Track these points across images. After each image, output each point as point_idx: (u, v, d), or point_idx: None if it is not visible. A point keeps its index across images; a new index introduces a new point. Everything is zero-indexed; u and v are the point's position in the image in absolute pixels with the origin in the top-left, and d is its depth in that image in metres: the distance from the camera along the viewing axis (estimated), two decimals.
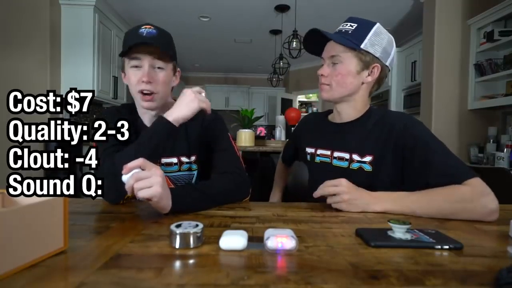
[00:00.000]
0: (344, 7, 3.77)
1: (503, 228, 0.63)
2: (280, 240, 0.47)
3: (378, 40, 0.88)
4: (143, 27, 0.86)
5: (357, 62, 0.89)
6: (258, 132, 5.27)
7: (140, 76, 0.86)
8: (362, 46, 0.87)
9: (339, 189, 0.76)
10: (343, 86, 0.91)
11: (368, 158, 0.90)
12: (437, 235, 0.54)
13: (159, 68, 0.88)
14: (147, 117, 0.97)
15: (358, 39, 0.87)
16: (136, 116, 0.99)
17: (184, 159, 0.98)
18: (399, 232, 0.53)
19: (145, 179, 0.63)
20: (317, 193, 0.79)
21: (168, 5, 3.82)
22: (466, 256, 0.48)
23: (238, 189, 0.86)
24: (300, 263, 0.44)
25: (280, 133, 3.95)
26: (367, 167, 0.90)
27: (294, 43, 3.57)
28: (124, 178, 0.64)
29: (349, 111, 0.96)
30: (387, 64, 0.92)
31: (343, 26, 0.91)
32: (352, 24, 0.90)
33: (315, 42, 0.95)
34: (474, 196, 0.71)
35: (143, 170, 0.65)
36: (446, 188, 0.74)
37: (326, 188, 0.78)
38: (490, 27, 2.71)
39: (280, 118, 4.05)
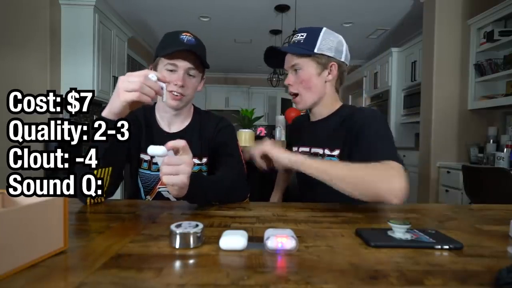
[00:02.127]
0: (344, 7, 3.77)
1: (503, 228, 0.63)
2: (280, 240, 0.47)
3: (328, 42, 0.97)
4: (183, 34, 0.93)
5: (315, 65, 0.97)
6: (258, 132, 5.25)
7: (174, 78, 0.92)
8: (315, 50, 0.95)
9: (263, 143, 0.86)
10: (310, 89, 0.98)
11: (336, 152, 0.96)
12: (437, 235, 0.54)
13: (191, 75, 0.95)
14: (166, 117, 1.01)
15: (310, 45, 0.96)
16: (151, 116, 1.03)
17: (195, 160, 1.00)
18: (399, 232, 0.53)
19: (174, 166, 0.63)
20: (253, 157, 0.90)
21: (168, 5, 3.82)
22: (466, 256, 0.48)
23: (239, 189, 0.88)
24: (300, 263, 0.44)
25: (280, 133, 3.95)
26: (336, 160, 0.96)
27: None
28: (151, 150, 0.62)
29: (321, 110, 1.04)
30: (342, 60, 1.00)
31: (295, 37, 1.00)
32: (302, 34, 0.98)
33: (276, 57, 1.04)
34: (387, 175, 0.73)
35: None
36: (363, 163, 0.76)
37: (257, 151, 0.88)
38: (490, 27, 2.71)
39: (280, 118, 4.04)
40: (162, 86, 0.71)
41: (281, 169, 0.86)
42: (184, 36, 0.93)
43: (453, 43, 2.98)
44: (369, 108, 1.02)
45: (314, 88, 0.98)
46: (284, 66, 1.03)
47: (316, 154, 1.01)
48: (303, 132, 1.11)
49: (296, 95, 1.01)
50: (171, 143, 0.65)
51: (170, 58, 0.91)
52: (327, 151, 0.98)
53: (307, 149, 1.05)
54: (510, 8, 2.50)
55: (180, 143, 0.66)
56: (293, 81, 1.00)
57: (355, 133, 0.91)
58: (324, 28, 0.98)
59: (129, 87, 0.67)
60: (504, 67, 2.62)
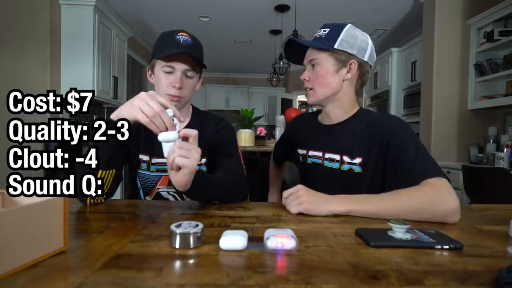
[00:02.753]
0: (344, 7, 3.77)
1: (503, 228, 0.63)
2: (280, 240, 0.47)
3: (350, 38, 0.92)
4: (179, 34, 0.91)
5: (334, 61, 0.93)
6: (258, 132, 5.26)
7: (172, 80, 0.92)
8: (335, 46, 0.91)
9: (299, 193, 0.73)
10: (324, 86, 0.94)
11: (358, 160, 0.91)
12: (437, 235, 0.54)
13: (189, 76, 0.94)
14: None
15: (331, 40, 0.92)
16: None
17: None
18: (399, 232, 0.53)
19: (187, 149, 0.65)
20: (284, 204, 0.76)
21: (168, 5, 3.82)
22: (466, 256, 0.48)
23: (239, 189, 0.88)
24: (300, 263, 0.44)
25: (280, 133, 3.95)
26: (357, 169, 0.92)
27: None
28: (162, 136, 0.65)
29: (336, 111, 0.98)
30: (365, 59, 0.94)
31: (317, 32, 0.97)
32: (325, 29, 0.95)
33: (296, 51, 1.00)
34: (437, 196, 0.70)
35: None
36: (410, 189, 0.73)
37: (288, 198, 0.74)
38: (490, 27, 2.71)
39: (280, 118, 4.04)
40: (176, 123, 0.69)
41: None
42: (181, 37, 0.91)
43: (453, 43, 2.98)
44: (392, 116, 0.97)
45: (330, 85, 0.94)
46: (303, 61, 0.99)
47: (332, 160, 0.96)
48: (313, 134, 1.05)
49: (310, 89, 0.97)
50: (184, 131, 0.68)
51: (167, 60, 0.91)
52: (346, 158, 0.93)
53: (319, 154, 1.00)
54: (510, 8, 2.49)
55: (193, 132, 0.69)
56: (309, 76, 0.96)
57: (384, 146, 0.87)
58: (349, 25, 0.94)
59: (144, 110, 0.66)
60: (504, 67, 2.62)
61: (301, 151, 1.08)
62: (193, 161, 0.65)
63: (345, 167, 0.93)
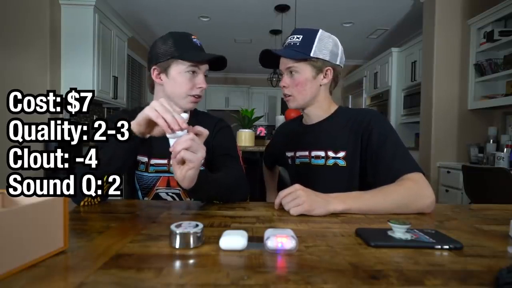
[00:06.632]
0: (344, 7, 3.77)
1: (503, 228, 0.63)
2: (280, 240, 0.47)
3: (323, 45, 0.96)
4: (193, 38, 0.96)
5: (311, 69, 0.97)
6: (258, 132, 5.26)
7: (199, 81, 0.95)
8: (311, 54, 0.94)
9: (297, 193, 0.72)
10: (303, 93, 0.98)
11: (341, 154, 0.96)
12: (437, 235, 0.54)
13: (206, 75, 0.98)
14: None
15: (306, 48, 0.95)
16: None
17: None
18: (399, 232, 0.53)
19: (197, 144, 0.66)
20: (277, 204, 0.76)
21: (168, 5, 3.82)
22: (466, 256, 0.48)
23: (240, 189, 0.88)
24: (300, 263, 0.44)
25: None
26: (341, 163, 0.96)
27: None
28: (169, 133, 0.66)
29: (317, 112, 1.03)
30: (337, 63, 0.99)
31: (291, 39, 0.98)
32: (298, 36, 0.97)
33: (272, 56, 1.00)
34: (419, 190, 0.78)
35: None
36: (395, 185, 0.80)
37: (284, 197, 0.74)
38: (490, 27, 2.72)
39: (280, 118, 4.04)
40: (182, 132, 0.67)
41: None
42: (196, 40, 0.96)
43: (453, 43, 2.98)
44: (370, 109, 1.02)
45: (308, 91, 0.98)
46: (279, 67, 1.02)
47: (317, 157, 1.00)
48: (298, 136, 1.09)
49: (289, 96, 1.00)
50: (198, 128, 0.69)
51: (197, 62, 0.93)
52: (330, 153, 0.98)
53: (306, 153, 1.03)
54: (510, 8, 2.50)
55: (205, 131, 0.70)
56: (288, 84, 0.99)
57: (366, 139, 0.92)
58: (320, 30, 0.97)
59: (157, 108, 0.67)
60: (504, 67, 2.62)
61: (289, 154, 1.11)
62: (199, 156, 0.66)
63: (330, 162, 0.98)
